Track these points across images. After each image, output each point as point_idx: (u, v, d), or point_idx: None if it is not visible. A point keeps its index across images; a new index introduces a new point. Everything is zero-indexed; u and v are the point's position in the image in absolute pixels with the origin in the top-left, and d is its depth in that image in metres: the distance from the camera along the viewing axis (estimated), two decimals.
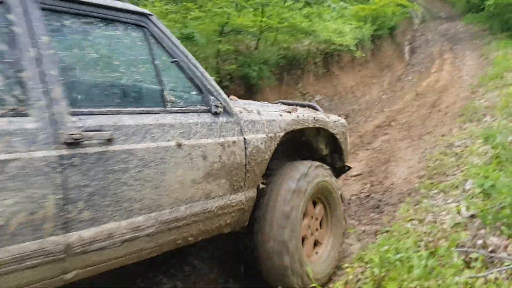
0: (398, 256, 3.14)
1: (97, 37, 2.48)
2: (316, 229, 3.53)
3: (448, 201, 4.76)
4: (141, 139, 2.31)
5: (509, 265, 2.96)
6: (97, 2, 2.32)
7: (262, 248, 3.12)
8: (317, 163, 3.55)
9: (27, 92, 1.96)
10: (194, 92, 2.79)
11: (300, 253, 3.18)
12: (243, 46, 10.06)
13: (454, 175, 5.65)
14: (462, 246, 3.38)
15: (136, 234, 2.32)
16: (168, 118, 2.51)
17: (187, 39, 7.91)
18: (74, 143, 2.04)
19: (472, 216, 3.95)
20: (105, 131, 2.16)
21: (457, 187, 5.15)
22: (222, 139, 2.78)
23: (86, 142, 2.08)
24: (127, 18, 2.48)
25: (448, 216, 4.17)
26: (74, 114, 2.10)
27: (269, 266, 3.14)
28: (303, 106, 4.00)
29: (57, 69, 2.09)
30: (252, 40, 10.29)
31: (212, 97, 2.80)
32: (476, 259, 3.10)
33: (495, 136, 6.05)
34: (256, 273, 3.27)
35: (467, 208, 4.19)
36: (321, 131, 3.76)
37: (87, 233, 2.10)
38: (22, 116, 1.92)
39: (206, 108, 2.78)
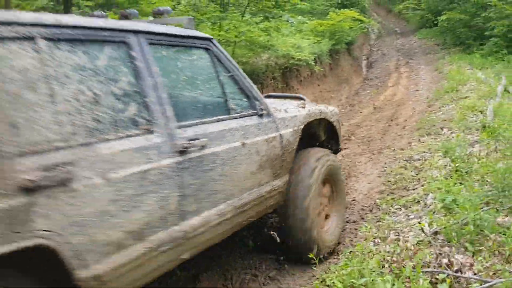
0: (362, 280, 2.95)
1: (182, 62, 3.01)
2: (326, 205, 4.16)
3: (410, 217, 4.65)
4: (220, 143, 2.87)
5: (476, 286, 2.82)
6: (180, 33, 2.90)
7: (292, 216, 3.72)
8: (327, 150, 4.27)
9: (151, 114, 2.43)
10: (245, 99, 3.33)
11: (317, 221, 3.85)
12: None
13: (414, 189, 5.57)
14: (428, 266, 3.22)
15: (221, 219, 2.88)
16: (233, 123, 3.07)
17: None
18: (184, 151, 2.55)
19: (436, 233, 3.82)
20: (200, 139, 2.67)
21: (418, 202, 5.06)
22: (266, 136, 3.39)
23: (191, 149, 2.59)
24: (199, 43, 3.04)
25: (411, 234, 4.04)
26: (179, 127, 2.60)
27: (295, 230, 3.74)
28: (292, 98, 4.61)
29: (166, 92, 2.57)
30: None
31: (257, 102, 3.38)
32: (442, 281, 2.94)
33: (454, 150, 6.04)
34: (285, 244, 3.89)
35: (430, 225, 4.07)
36: (321, 121, 4.34)
37: (194, 221, 2.64)
38: (151, 133, 2.40)
39: (254, 111, 3.34)
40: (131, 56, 2.42)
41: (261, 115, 3.39)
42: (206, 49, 3.09)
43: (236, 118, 3.13)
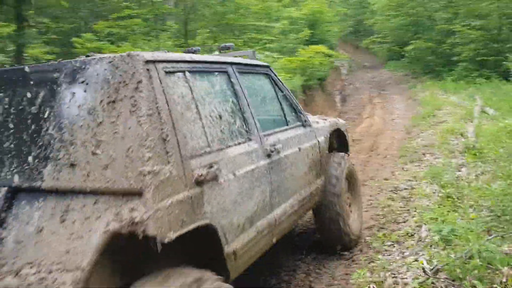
0: None
1: (256, 85, 3.61)
2: (348, 198, 4.68)
3: (405, 254, 4.17)
4: (287, 148, 3.49)
5: None
6: (252, 63, 3.59)
7: (330, 211, 4.28)
8: (345, 154, 4.79)
9: (248, 126, 3.04)
10: (294, 113, 4.04)
11: (348, 213, 4.50)
12: None
13: (405, 221, 5.12)
14: None
15: (291, 210, 3.49)
16: (291, 133, 3.73)
17: None
18: (269, 155, 3.15)
19: (437, 271, 3.35)
20: (277, 145, 3.30)
21: (411, 235, 4.60)
22: (311, 143, 4.07)
23: (273, 153, 3.20)
24: (263, 70, 3.73)
25: (409, 274, 3.55)
26: (264, 136, 3.19)
27: (333, 223, 4.30)
28: None
29: (253, 109, 3.17)
30: None
31: (301, 115, 4.10)
32: None
33: (441, 175, 5.66)
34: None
35: (429, 262, 3.60)
36: (336, 131, 4.90)
37: (278, 211, 3.23)
38: (250, 141, 3.00)
39: (300, 123, 4.04)
40: (232, 82, 3.07)
41: (305, 126, 4.11)
42: (267, 74, 3.81)
43: (292, 128, 3.85)
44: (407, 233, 4.64)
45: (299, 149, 3.76)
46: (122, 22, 9.56)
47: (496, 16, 14.64)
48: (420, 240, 4.33)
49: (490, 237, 3.41)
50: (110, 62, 2.23)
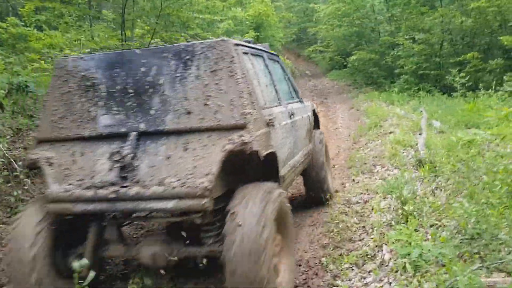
0: None
1: (274, 68, 4.86)
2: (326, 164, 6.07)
3: (367, 281, 3.64)
4: (296, 115, 4.88)
5: None
6: (270, 52, 5.05)
7: (317, 174, 5.65)
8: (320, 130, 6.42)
9: (278, 95, 4.50)
10: (294, 91, 5.55)
11: (328, 170, 6.13)
12: None
13: (361, 239, 4.63)
14: None
15: (300, 161, 4.89)
16: (296, 105, 5.18)
17: (17, 89, 6.18)
18: (290, 117, 4.60)
19: None
20: (293, 111, 4.77)
21: (372, 256, 4.09)
22: (305, 114, 5.52)
23: (291, 116, 4.62)
24: (275, 58, 5.20)
25: None
26: (286, 104, 4.65)
27: (320, 183, 5.69)
28: None
29: (277, 84, 4.66)
30: None
31: (299, 93, 5.71)
32: None
33: (397, 188, 5.23)
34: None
35: None
36: (313, 110, 6.30)
37: (296, 158, 4.66)
38: (280, 106, 4.38)
39: (298, 99, 5.53)
40: (266, 64, 4.50)
41: (301, 102, 5.58)
42: (278, 61, 5.26)
43: (296, 102, 5.28)
44: (366, 254, 4.13)
45: (302, 117, 5.27)
46: (50, 4, 8.52)
47: (438, 30, 14.88)
48: (383, 264, 3.83)
49: (474, 268, 2.92)
50: (209, 45, 3.36)
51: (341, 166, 7.91)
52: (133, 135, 3.31)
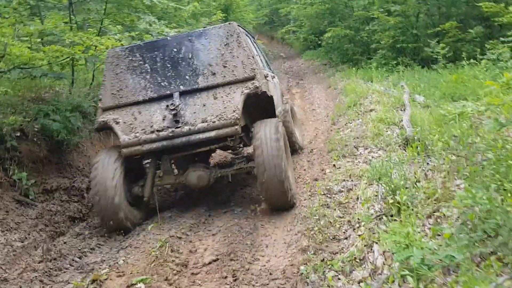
0: None
1: (255, 45, 6.41)
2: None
3: None
4: (275, 79, 6.64)
5: None
6: (252, 34, 6.94)
7: (284, 124, 6.27)
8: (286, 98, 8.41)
9: (268, 64, 7.11)
10: (267, 64, 6.98)
11: (294, 127, 7.34)
12: (49, 93, 7.51)
13: (347, 237, 3.90)
14: None
15: (282, 113, 6.52)
16: (271, 73, 6.51)
17: None
18: (273, 77, 6.49)
19: None
20: (273, 75, 6.58)
21: (360, 260, 3.36)
22: (277, 80, 6.98)
23: (274, 78, 6.45)
24: (254, 40, 6.82)
25: None
26: (270, 70, 6.81)
27: (288, 133, 6.60)
28: None
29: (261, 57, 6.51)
30: (61, 83, 7.83)
31: (271, 67, 7.50)
32: None
33: (388, 174, 4.51)
34: None
35: None
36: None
37: (281, 108, 6.46)
38: (270, 70, 6.81)
39: (271, 70, 6.94)
40: (254, 42, 6.28)
41: (273, 72, 7.10)
42: (255, 42, 6.81)
43: (270, 70, 6.96)
44: (354, 258, 3.40)
45: (276, 82, 6.80)
46: None
47: (414, 1, 14.14)
48: (375, 271, 3.10)
49: (501, 280, 2.19)
50: (220, 27, 5.11)
51: (320, 150, 7.17)
52: (176, 94, 4.85)
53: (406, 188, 4.23)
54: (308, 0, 19.96)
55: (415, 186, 4.22)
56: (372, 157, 5.99)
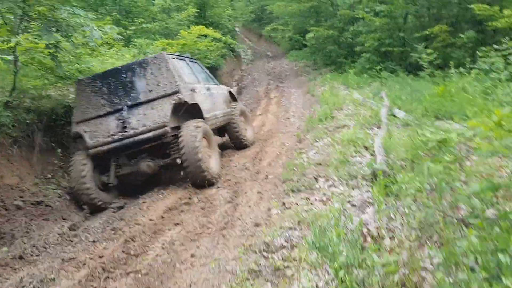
0: None
1: (193, 65, 7.90)
2: (242, 121, 8.88)
3: None
4: (212, 89, 7.97)
5: None
6: (189, 57, 8.34)
7: (235, 127, 8.48)
8: (238, 102, 9.83)
9: (198, 79, 7.71)
10: (210, 78, 8.52)
11: (241, 126, 8.79)
12: None
13: None
14: None
15: (219, 115, 7.91)
16: (212, 85, 8.18)
17: None
18: (207, 89, 7.74)
19: None
20: (208, 87, 7.84)
21: None
22: (221, 91, 8.58)
23: (208, 89, 7.78)
24: (194, 60, 8.60)
25: None
26: (203, 83, 7.83)
27: (237, 132, 8.49)
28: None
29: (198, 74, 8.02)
30: None
31: (215, 79, 8.86)
32: None
33: (336, 252, 3.32)
34: None
35: None
36: (230, 92, 9.43)
37: (216, 112, 7.86)
38: (199, 84, 7.55)
39: (214, 83, 8.50)
40: (187, 64, 7.62)
41: (216, 84, 8.56)
42: (197, 62, 8.47)
43: (212, 84, 8.22)
44: None
45: (217, 92, 8.33)
46: None
47: (402, 1, 12.98)
48: None
49: None
50: (154, 57, 6.73)
51: (276, 177, 5.97)
52: (125, 107, 6.41)
53: (360, 262, 3.06)
54: None
55: (373, 259, 3.03)
56: (332, 192, 4.81)
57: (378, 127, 7.11)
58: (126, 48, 12.74)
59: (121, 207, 6.34)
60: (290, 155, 7.02)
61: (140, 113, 6.34)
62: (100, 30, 7.02)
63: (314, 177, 5.38)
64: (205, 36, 13.95)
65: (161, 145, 6.51)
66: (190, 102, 6.55)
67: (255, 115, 12.58)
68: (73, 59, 7.71)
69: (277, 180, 5.78)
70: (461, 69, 9.69)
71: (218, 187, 6.22)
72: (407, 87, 9.81)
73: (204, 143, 6.39)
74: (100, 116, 6.47)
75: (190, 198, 5.97)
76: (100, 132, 6.41)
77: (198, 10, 15.95)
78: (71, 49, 7.49)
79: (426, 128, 6.29)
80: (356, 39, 14.99)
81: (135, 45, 13.02)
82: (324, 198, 4.73)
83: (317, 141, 7.04)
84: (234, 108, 8.59)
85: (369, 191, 4.58)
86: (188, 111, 6.63)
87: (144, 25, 14.51)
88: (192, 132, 6.17)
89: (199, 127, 6.34)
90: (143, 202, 6.08)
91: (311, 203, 4.69)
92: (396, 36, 13.44)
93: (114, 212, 6.20)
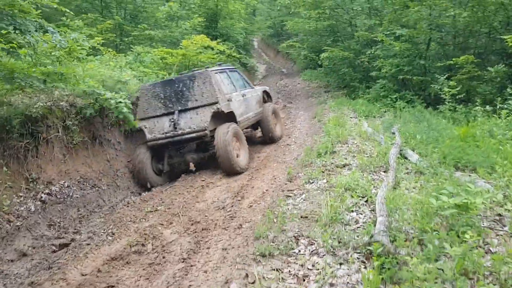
0: None
1: (232, 75, 9.37)
2: (273, 119, 10.59)
3: None
4: (247, 94, 9.47)
5: None
6: (230, 67, 9.80)
7: (267, 125, 10.19)
8: (271, 103, 11.29)
9: (235, 87, 9.21)
10: (246, 83, 10.03)
11: (277, 124, 10.90)
12: None
13: None
14: None
15: (251, 116, 9.44)
16: (248, 90, 9.72)
17: None
18: (242, 96, 9.21)
19: None
20: (244, 93, 9.33)
21: None
22: (255, 94, 10.05)
23: (243, 95, 9.30)
24: (234, 69, 10.00)
25: None
26: (239, 91, 9.25)
27: (270, 131, 10.24)
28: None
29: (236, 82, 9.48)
30: None
31: (251, 83, 10.47)
32: None
33: None
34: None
35: None
36: (265, 91, 11.15)
37: (249, 114, 9.36)
38: (236, 92, 9.02)
39: (250, 87, 10.11)
40: (228, 75, 9.10)
41: (252, 88, 10.13)
42: (236, 71, 9.86)
43: (248, 88, 9.76)
44: None
45: (252, 95, 9.69)
46: None
47: (425, 26, 11.80)
48: None
49: None
50: (200, 72, 8.14)
51: (249, 229, 4.79)
52: (176, 111, 7.90)
53: None
54: (312, 14, 17.66)
55: None
56: (313, 265, 3.65)
57: (385, 171, 5.93)
58: (123, 55, 11.79)
59: (65, 245, 5.24)
60: (278, 195, 5.86)
61: (187, 117, 7.95)
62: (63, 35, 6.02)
63: (295, 237, 4.21)
64: (212, 48, 12.95)
65: (202, 143, 8.39)
66: (226, 111, 8.02)
67: (254, 138, 11.46)
68: (37, 62, 6.69)
69: (251, 233, 4.61)
70: (488, 107, 8.46)
71: (181, 234, 5.08)
72: (423, 122, 8.59)
73: (234, 141, 7.93)
74: (157, 116, 8.09)
75: (143, 245, 4.84)
76: (156, 129, 8.07)
77: (204, 20, 14.97)
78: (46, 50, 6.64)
79: (442, 179, 5.11)
80: (372, 63, 13.82)
81: (131, 52, 12.06)
82: (301, 273, 3.57)
83: (310, 183, 5.86)
84: (266, 107, 10.26)
85: (359, 271, 3.41)
86: (224, 116, 8.13)
87: (147, 32, 13.57)
88: (224, 133, 7.66)
89: (229, 129, 7.78)
90: (87, 244, 4.96)
91: (283, 279, 3.53)
92: (416, 63, 12.23)
93: (54, 251, 5.10)
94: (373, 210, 4.51)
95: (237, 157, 7.86)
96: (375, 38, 13.39)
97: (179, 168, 8.51)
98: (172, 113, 7.95)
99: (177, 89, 8.03)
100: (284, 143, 10.27)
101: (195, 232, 5.03)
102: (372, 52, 13.68)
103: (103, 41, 10.87)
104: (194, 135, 7.85)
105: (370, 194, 4.97)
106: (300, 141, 10.15)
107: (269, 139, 10.24)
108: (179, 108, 7.92)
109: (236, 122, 8.36)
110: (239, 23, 18.27)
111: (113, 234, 5.23)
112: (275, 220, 4.66)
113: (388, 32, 12.97)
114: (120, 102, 7.84)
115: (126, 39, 13.97)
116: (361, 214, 4.55)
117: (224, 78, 8.68)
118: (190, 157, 8.34)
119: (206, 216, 5.58)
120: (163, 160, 8.36)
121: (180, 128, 7.89)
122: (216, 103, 7.78)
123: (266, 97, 10.94)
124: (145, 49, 12.40)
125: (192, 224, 5.32)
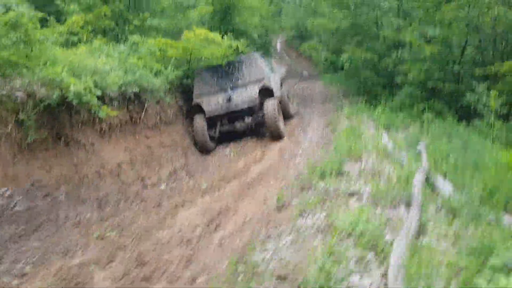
0: None
1: (267, 61, 11.73)
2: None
3: None
4: (274, 77, 10.93)
5: None
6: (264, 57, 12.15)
7: (287, 105, 11.81)
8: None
9: (272, 70, 11.48)
10: (271, 68, 11.38)
11: (288, 103, 12.38)
12: None
13: None
14: None
15: (281, 94, 11.23)
16: (276, 74, 11.57)
17: None
18: (270, 80, 10.46)
19: None
20: (273, 76, 10.93)
21: None
22: (278, 79, 11.48)
23: (271, 79, 10.39)
24: (268, 57, 13.76)
25: None
26: (273, 73, 11.24)
27: (290, 110, 12.10)
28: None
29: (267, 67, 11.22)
30: None
31: (274, 69, 12.03)
32: None
33: None
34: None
35: None
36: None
37: (279, 92, 11.07)
38: (272, 73, 11.01)
39: (276, 72, 11.72)
40: (266, 60, 11.60)
41: (275, 72, 11.38)
42: (268, 59, 12.31)
43: (274, 72, 11.26)
44: None
45: (278, 77, 11.36)
46: None
47: (462, 26, 10.19)
48: None
49: None
50: (249, 55, 10.79)
51: (220, 278, 3.37)
52: (229, 88, 9.80)
53: None
54: (336, 12, 16.12)
55: None
56: None
57: (407, 206, 4.42)
58: (116, 43, 10.50)
59: None
60: (262, 227, 4.42)
61: (239, 92, 9.71)
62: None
63: None
64: (219, 43, 11.58)
65: (250, 112, 9.85)
66: (270, 87, 9.72)
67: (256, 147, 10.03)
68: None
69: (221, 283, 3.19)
70: None
71: (115, 282, 3.67)
72: (457, 139, 7.03)
73: (278, 112, 9.51)
74: (213, 93, 9.81)
75: None
76: (213, 103, 9.73)
77: (213, 10, 13.60)
78: None
79: (485, 224, 3.59)
80: (398, 67, 12.21)
81: (126, 41, 10.77)
82: None
83: (302, 216, 4.39)
84: (285, 91, 11.77)
85: None
86: (267, 91, 9.73)
87: (148, 21, 12.27)
88: (272, 104, 9.27)
89: (275, 102, 9.42)
90: None
91: None
92: (449, 69, 10.62)
93: None
94: (385, 275, 3.03)
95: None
96: (402, 39, 11.80)
97: (228, 134, 10.19)
98: (226, 89, 9.82)
99: (229, 70, 10.07)
100: (290, 153, 8.80)
101: (133, 282, 3.62)
102: (398, 55, 12.09)
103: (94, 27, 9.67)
104: (245, 106, 9.75)
105: (383, 244, 3.48)
106: (308, 152, 8.65)
107: (286, 115, 11.40)
108: (231, 85, 9.84)
109: (274, 97, 10.00)
110: (255, 19, 16.83)
111: (25, 275, 3.84)
112: (240, 280, 3.22)
113: (418, 33, 11.38)
114: (84, 89, 6.50)
115: (127, 28, 12.70)
116: (367, 278, 3.07)
117: (264, 62, 10.67)
118: (239, 124, 9.94)
119: (160, 254, 4.16)
120: (215, 128, 9.99)
121: (233, 102, 9.77)
122: (263, 79, 9.80)
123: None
124: (143, 39, 11.08)
125: (137, 266, 3.92)
